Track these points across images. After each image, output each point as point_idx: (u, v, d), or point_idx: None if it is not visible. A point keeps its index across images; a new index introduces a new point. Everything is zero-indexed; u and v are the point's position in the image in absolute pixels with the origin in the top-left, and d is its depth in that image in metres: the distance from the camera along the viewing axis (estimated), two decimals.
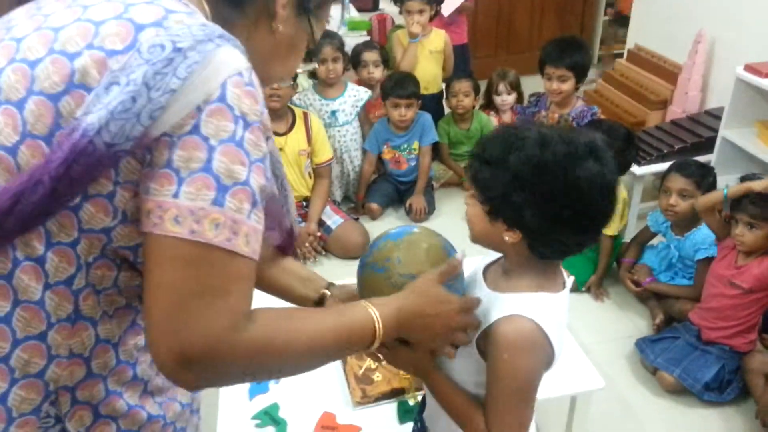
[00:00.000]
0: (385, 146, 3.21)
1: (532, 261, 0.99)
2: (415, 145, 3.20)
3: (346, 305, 0.89)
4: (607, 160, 0.92)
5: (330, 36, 3.06)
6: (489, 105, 3.65)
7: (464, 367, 1.05)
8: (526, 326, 0.95)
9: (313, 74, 3.15)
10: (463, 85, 3.36)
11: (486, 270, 1.09)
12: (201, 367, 0.66)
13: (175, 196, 0.65)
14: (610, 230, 2.57)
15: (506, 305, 0.97)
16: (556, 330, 0.97)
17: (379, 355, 1.01)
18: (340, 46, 3.08)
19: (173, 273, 0.65)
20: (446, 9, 3.69)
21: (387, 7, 4.45)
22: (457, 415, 1.06)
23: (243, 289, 0.69)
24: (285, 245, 0.93)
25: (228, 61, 0.68)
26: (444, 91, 3.62)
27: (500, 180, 0.92)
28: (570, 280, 1.06)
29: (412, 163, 3.23)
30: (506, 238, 0.95)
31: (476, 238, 1.01)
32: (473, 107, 3.47)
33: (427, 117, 3.23)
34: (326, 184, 2.96)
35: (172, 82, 0.65)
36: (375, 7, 6.17)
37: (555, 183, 0.89)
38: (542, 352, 0.97)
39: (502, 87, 3.49)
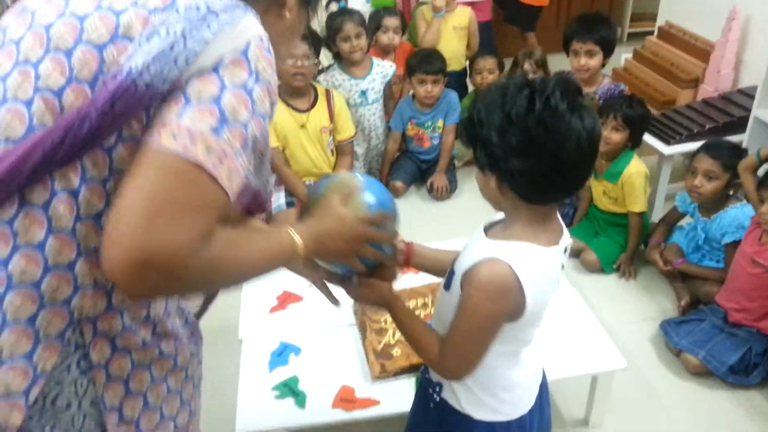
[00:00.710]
0: (410, 123, 3.18)
1: (525, 212, 1.04)
2: (440, 123, 3.17)
3: (274, 230, 0.97)
4: (544, 91, 0.95)
5: (349, 13, 3.03)
6: None
7: (448, 307, 1.11)
8: (500, 269, 1.00)
9: (337, 55, 3.11)
10: (488, 62, 3.31)
11: (491, 225, 1.15)
12: (153, 275, 0.69)
13: (179, 116, 0.72)
14: (637, 206, 2.54)
15: (490, 249, 1.04)
16: (533, 281, 1.02)
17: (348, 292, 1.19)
18: (362, 21, 3.04)
19: (156, 182, 0.70)
20: None
21: None
22: (416, 341, 1.16)
23: (212, 217, 0.74)
24: (251, 208, 0.97)
25: (252, 26, 0.79)
26: (467, 68, 3.57)
27: (469, 128, 1.02)
28: (567, 241, 1.10)
29: (435, 141, 3.20)
30: (490, 184, 1.02)
31: (484, 197, 1.09)
32: None
33: (454, 95, 3.19)
34: (348, 161, 2.95)
35: (205, 34, 0.75)
36: None
37: (498, 118, 0.96)
38: (509, 299, 1.02)
39: (527, 66, 3.42)
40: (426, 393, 1.26)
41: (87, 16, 0.76)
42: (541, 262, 1.04)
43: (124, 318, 0.85)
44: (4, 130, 0.75)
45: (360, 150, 3.18)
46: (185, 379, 0.98)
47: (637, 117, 2.50)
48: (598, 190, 2.68)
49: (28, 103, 0.75)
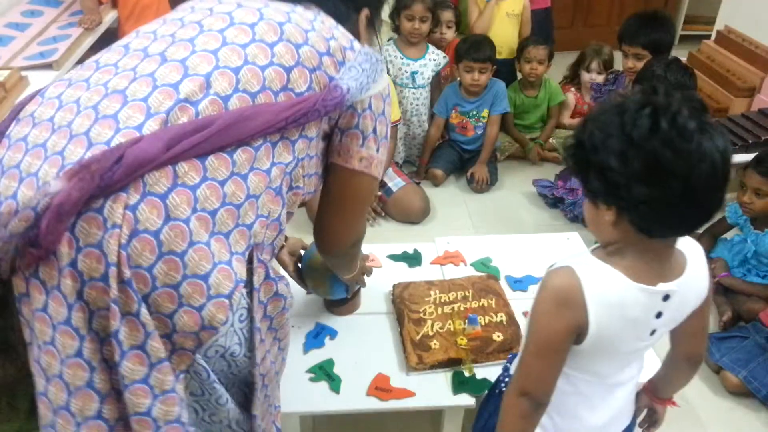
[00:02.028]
0: (454, 111, 3.12)
1: (636, 248, 0.95)
2: (485, 112, 3.10)
3: None
4: (668, 109, 0.85)
5: None
6: (573, 79, 3.51)
7: None
8: (568, 278, 0.96)
9: (397, 29, 3.05)
10: (539, 52, 3.23)
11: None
12: (353, 250, 1.41)
13: (359, 147, 1.10)
14: None
15: (576, 259, 0.99)
16: (600, 304, 0.95)
17: None
18: (432, 6, 2.97)
19: (357, 192, 1.15)
20: None
21: None
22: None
23: None
24: None
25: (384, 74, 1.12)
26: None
27: (581, 154, 0.91)
28: (671, 288, 0.98)
29: (479, 131, 3.14)
30: (606, 218, 0.92)
31: (591, 231, 1.01)
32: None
33: (501, 85, 3.12)
34: (391, 145, 2.90)
35: (377, 76, 1.07)
36: None
37: (617, 141, 0.87)
38: (570, 311, 0.95)
39: (595, 65, 3.32)
40: (497, 382, 1.24)
41: (275, 44, 0.99)
42: (620, 293, 0.96)
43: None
44: (243, 84, 0.94)
45: (399, 133, 3.13)
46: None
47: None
48: None
49: (263, 68, 0.97)
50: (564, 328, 0.97)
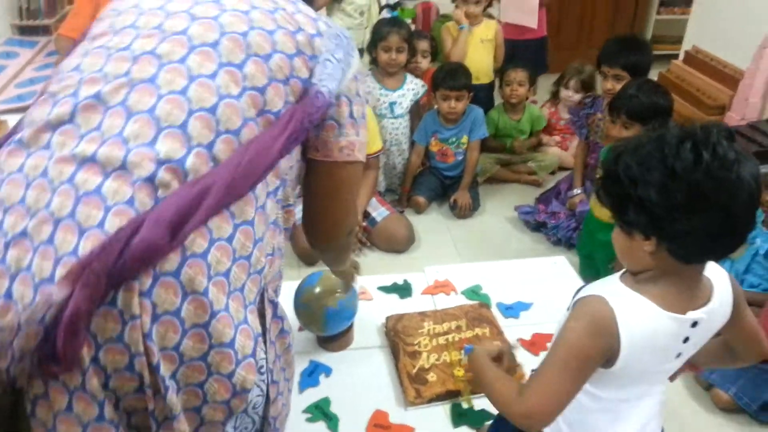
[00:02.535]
0: (433, 138, 3.15)
1: (671, 274, 0.97)
2: (464, 139, 3.14)
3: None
4: (708, 141, 0.88)
5: (399, 24, 3.00)
6: (555, 97, 3.59)
7: None
8: (601, 307, 0.97)
9: (374, 61, 3.08)
10: (519, 75, 3.30)
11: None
12: (339, 244, 1.23)
13: (337, 137, 1.01)
14: None
15: (607, 288, 1.00)
16: (632, 333, 0.96)
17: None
18: (408, 36, 3.01)
19: (348, 180, 1.06)
20: (520, 18, 3.65)
21: None
22: (491, 383, 1.08)
23: None
24: None
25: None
26: (496, 81, 3.56)
27: (617, 188, 0.92)
28: (699, 316, 1.00)
29: (459, 157, 3.17)
30: (645, 248, 0.94)
31: (623, 261, 1.02)
32: (526, 98, 3.41)
33: (479, 111, 3.16)
34: (374, 175, 2.91)
35: (350, 59, 1.00)
36: None
37: (658, 175, 0.88)
38: (603, 339, 0.96)
39: (573, 83, 3.42)
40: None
41: (274, 32, 0.94)
42: (652, 323, 0.98)
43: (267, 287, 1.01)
44: (224, 123, 0.87)
45: (380, 162, 3.14)
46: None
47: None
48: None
49: (237, 97, 0.89)
50: (596, 353, 0.98)
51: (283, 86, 0.92)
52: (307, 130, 0.94)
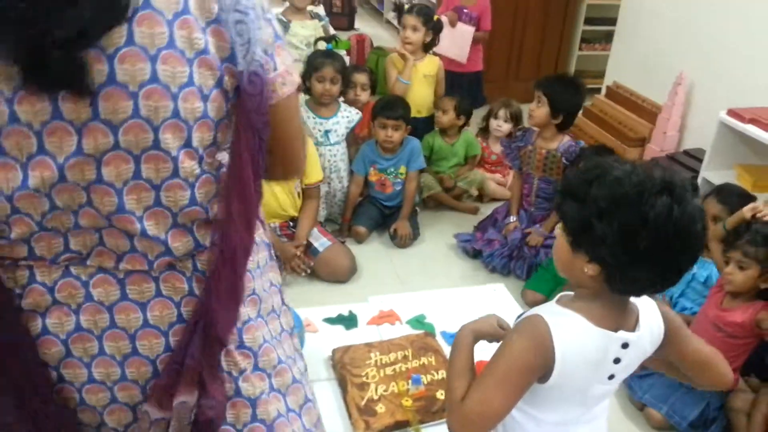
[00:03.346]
0: (372, 168, 3.20)
1: (604, 297, 1.03)
2: (402, 169, 3.20)
3: None
4: (683, 196, 0.94)
5: (333, 57, 3.04)
6: (486, 129, 3.71)
7: None
8: (538, 321, 1.03)
9: (308, 91, 3.11)
10: (445, 102, 3.48)
11: (564, 295, 1.13)
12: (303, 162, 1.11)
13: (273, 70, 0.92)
14: None
15: (544, 308, 1.06)
16: (566, 347, 1.02)
17: None
18: (342, 68, 3.06)
19: (296, 110, 1.00)
20: (452, 52, 3.92)
21: (362, 27, 4.49)
22: (453, 377, 1.10)
23: None
24: None
25: None
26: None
27: (581, 212, 0.97)
28: (629, 338, 1.06)
29: (398, 188, 3.23)
30: (586, 270, 1.00)
31: (559, 269, 1.08)
32: (461, 126, 3.54)
33: (416, 143, 3.23)
34: (315, 205, 2.92)
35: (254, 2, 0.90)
36: (350, 26, 6.20)
37: (629, 217, 0.92)
38: (539, 349, 1.02)
39: (502, 112, 3.57)
40: None
41: None
42: (584, 337, 1.04)
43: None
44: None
45: (321, 191, 3.16)
46: None
47: None
48: None
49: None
50: (535, 365, 1.03)
51: (221, 91, 0.86)
52: (265, 123, 0.90)
